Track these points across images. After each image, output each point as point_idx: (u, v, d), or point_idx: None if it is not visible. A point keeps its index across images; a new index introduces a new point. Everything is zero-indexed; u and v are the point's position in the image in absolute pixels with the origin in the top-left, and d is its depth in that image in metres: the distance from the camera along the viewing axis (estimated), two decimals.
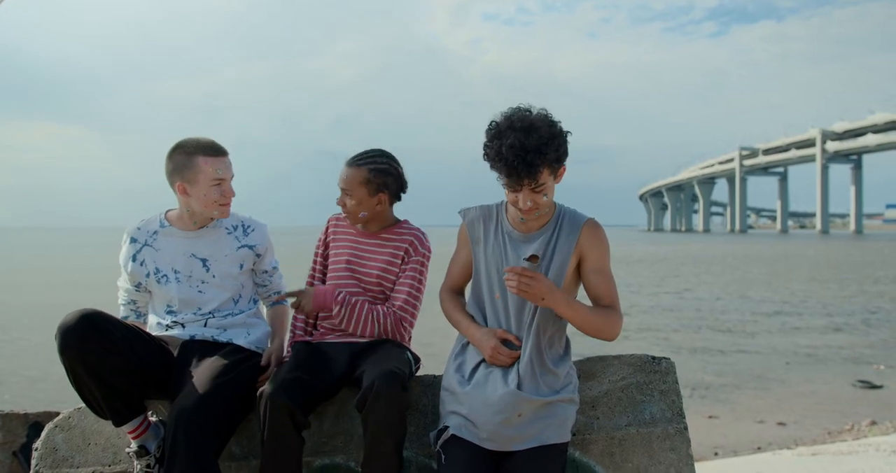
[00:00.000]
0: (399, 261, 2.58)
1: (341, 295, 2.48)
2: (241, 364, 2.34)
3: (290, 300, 2.49)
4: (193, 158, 2.41)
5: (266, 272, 2.65)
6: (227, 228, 2.57)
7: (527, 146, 2.08)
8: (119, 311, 2.60)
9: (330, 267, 2.64)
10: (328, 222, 2.71)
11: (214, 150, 2.44)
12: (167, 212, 2.58)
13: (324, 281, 2.66)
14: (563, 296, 2.16)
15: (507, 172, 2.13)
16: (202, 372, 2.22)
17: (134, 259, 2.51)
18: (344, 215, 2.62)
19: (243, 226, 2.60)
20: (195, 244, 2.52)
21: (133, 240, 2.53)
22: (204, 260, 2.51)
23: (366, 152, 2.56)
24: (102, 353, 2.12)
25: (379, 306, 2.53)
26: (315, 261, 2.70)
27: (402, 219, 2.67)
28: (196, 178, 2.41)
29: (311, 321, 2.64)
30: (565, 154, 2.18)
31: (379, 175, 2.52)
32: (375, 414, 2.12)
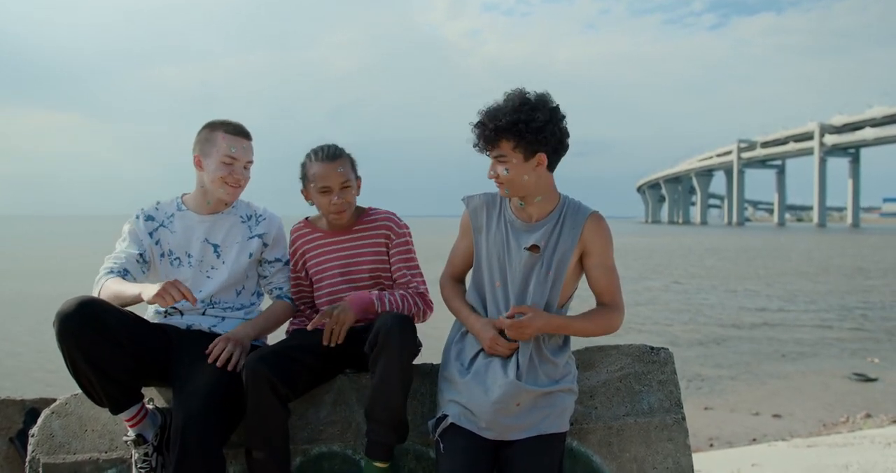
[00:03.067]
0: (384, 248, 2.56)
1: (375, 293, 2.43)
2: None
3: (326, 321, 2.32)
4: (215, 133, 2.45)
5: (269, 262, 2.62)
6: (241, 217, 2.58)
7: (492, 113, 2.17)
8: (103, 266, 2.46)
9: (317, 278, 2.58)
10: (294, 235, 2.65)
11: (236, 130, 2.47)
12: (183, 195, 2.59)
13: (311, 295, 2.63)
14: (558, 322, 2.23)
15: (474, 134, 2.23)
16: (204, 370, 2.21)
17: (151, 236, 2.51)
18: (302, 221, 2.63)
19: (256, 215, 2.60)
20: (210, 229, 2.53)
21: (150, 218, 2.53)
22: (216, 246, 2.52)
23: (322, 147, 2.51)
24: (100, 342, 2.10)
25: (398, 291, 2.51)
26: (299, 277, 2.62)
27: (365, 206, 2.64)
28: (210, 152, 2.45)
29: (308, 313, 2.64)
30: (539, 141, 2.18)
31: (353, 159, 2.55)
32: (387, 352, 2.14)
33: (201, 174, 2.49)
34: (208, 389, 2.13)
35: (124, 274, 2.42)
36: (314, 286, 2.61)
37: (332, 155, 2.48)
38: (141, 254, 2.48)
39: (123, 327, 2.19)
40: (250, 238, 2.56)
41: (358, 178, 2.55)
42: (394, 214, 2.61)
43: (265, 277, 2.63)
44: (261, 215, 2.61)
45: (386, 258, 2.57)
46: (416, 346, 2.25)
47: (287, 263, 2.64)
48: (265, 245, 2.59)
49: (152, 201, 2.60)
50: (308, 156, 2.53)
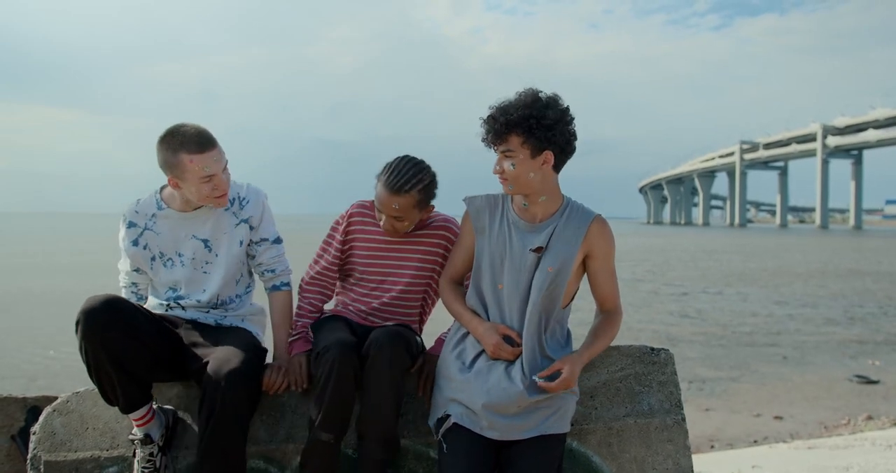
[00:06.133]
0: (441, 253, 2.55)
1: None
2: (254, 347, 2.36)
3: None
4: (178, 155, 2.27)
5: (256, 243, 2.54)
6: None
7: (503, 107, 2.19)
8: (120, 293, 2.59)
9: (351, 262, 2.55)
10: (351, 210, 2.57)
11: (199, 146, 2.27)
12: (162, 189, 2.49)
13: (336, 272, 2.60)
14: (587, 354, 2.27)
15: (483, 128, 2.23)
16: (232, 341, 2.25)
17: (136, 243, 2.46)
18: (369, 203, 2.55)
19: (239, 198, 2.51)
20: (194, 224, 2.46)
21: (132, 224, 2.46)
22: (205, 241, 2.47)
23: (403, 170, 2.37)
24: (126, 341, 2.10)
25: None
26: (330, 245, 2.57)
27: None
28: (184, 176, 2.30)
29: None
30: (548, 138, 2.18)
31: (428, 191, 2.44)
32: (377, 369, 2.15)
33: (182, 192, 2.37)
34: (245, 359, 2.16)
35: (132, 286, 2.56)
36: (346, 266, 2.58)
37: (398, 188, 2.35)
38: (130, 270, 2.54)
39: (145, 324, 2.19)
40: (237, 224, 2.49)
41: (430, 206, 2.48)
42: (453, 220, 2.57)
43: (253, 257, 2.56)
44: (244, 197, 2.51)
45: (433, 266, 2.56)
46: (406, 361, 2.24)
47: (276, 241, 2.56)
48: (251, 227, 2.51)
49: (132, 201, 2.50)
50: (385, 168, 2.41)
